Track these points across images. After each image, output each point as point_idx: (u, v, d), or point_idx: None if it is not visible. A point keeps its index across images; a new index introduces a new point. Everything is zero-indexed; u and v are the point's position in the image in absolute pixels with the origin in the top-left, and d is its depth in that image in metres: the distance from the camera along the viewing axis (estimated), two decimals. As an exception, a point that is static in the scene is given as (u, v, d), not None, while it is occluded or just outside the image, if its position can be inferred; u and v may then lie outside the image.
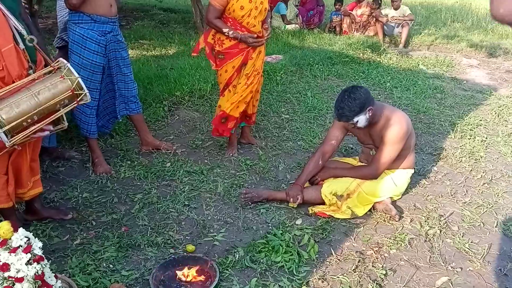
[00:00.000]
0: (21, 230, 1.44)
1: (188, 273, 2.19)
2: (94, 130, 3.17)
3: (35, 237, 1.51)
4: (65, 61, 2.22)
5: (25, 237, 1.42)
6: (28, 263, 1.40)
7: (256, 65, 3.28)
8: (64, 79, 2.15)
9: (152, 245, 2.45)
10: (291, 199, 2.77)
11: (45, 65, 2.28)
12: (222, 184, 3.08)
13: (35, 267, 1.41)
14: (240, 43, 3.17)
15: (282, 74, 5.43)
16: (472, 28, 8.99)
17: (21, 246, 1.40)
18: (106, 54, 3.02)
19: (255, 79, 3.30)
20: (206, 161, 3.43)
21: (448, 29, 8.89)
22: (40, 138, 2.42)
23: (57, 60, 2.26)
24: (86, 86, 2.23)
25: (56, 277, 1.56)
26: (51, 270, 2.20)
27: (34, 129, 2.09)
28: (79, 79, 2.20)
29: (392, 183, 2.83)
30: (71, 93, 2.17)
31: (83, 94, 2.23)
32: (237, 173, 3.25)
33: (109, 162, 3.30)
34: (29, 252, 1.40)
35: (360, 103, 2.58)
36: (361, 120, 2.64)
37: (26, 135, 2.07)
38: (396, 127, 2.68)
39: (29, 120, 2.07)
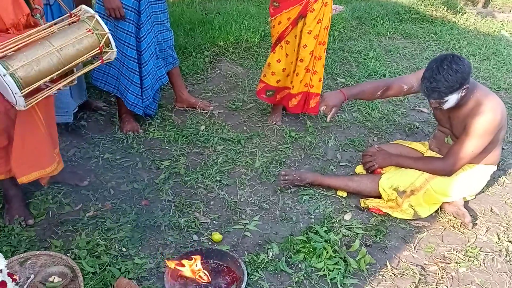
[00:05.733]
0: None
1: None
2: (140, 104, 2.78)
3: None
4: (90, 10, 1.80)
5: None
6: None
7: (324, 22, 2.71)
8: (92, 33, 1.76)
9: (173, 228, 2.11)
10: (322, 105, 2.38)
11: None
12: (261, 159, 2.66)
13: None
14: None
15: (341, 28, 4.76)
16: None
17: None
18: None
19: (326, 38, 2.79)
20: (245, 127, 2.99)
21: (538, -12, 7.66)
22: (52, 99, 2.05)
23: (79, 7, 1.83)
24: (115, 39, 1.84)
25: None
26: (56, 247, 1.94)
27: (51, 90, 1.73)
28: (109, 35, 1.81)
29: (469, 182, 2.31)
30: (99, 50, 1.79)
31: (109, 53, 1.84)
32: (279, 146, 2.81)
33: (138, 119, 2.93)
34: None
35: (461, 78, 2.03)
36: (451, 100, 2.09)
37: (40, 97, 1.71)
38: (488, 116, 2.10)
39: (47, 81, 1.70)
